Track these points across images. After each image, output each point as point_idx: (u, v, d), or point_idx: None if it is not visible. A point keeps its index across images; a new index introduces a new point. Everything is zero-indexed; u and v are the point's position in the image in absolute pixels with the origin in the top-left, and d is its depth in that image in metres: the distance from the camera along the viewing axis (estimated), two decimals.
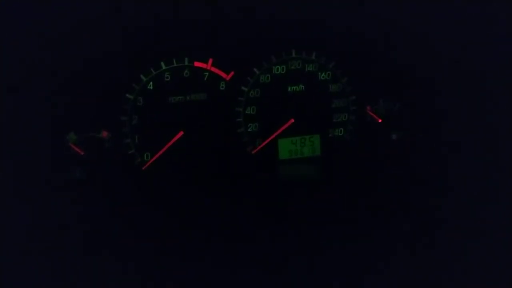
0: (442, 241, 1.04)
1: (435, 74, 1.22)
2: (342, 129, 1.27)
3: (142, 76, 1.14)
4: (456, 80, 1.20)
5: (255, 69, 1.19)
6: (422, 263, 1.00)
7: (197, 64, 1.16)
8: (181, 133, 1.17)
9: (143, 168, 1.18)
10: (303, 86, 1.22)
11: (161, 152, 1.17)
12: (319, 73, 1.22)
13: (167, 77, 1.15)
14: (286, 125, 1.22)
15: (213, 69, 1.17)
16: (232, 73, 1.18)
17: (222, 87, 1.18)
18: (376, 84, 1.25)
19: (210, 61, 1.16)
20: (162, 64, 1.14)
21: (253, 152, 1.23)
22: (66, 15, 1.01)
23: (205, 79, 1.17)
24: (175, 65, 1.14)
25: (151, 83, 1.14)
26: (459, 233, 1.05)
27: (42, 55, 1.05)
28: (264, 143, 1.23)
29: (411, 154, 1.26)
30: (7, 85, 1.03)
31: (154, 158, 1.17)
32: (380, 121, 1.26)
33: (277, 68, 1.20)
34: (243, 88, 1.20)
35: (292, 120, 1.22)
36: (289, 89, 1.21)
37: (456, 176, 1.15)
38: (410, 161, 1.23)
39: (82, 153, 1.13)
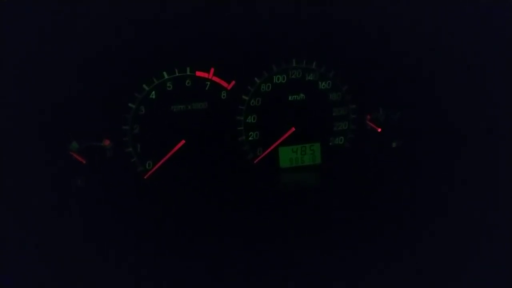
0: (441, 248, 1.04)
1: (435, 83, 1.23)
2: (342, 137, 1.28)
3: (144, 86, 1.15)
4: (456, 88, 1.21)
5: (256, 78, 1.20)
6: (421, 271, 1.00)
7: (198, 73, 1.17)
8: (183, 141, 1.18)
9: (145, 177, 1.18)
10: (304, 95, 1.23)
11: (163, 160, 1.17)
12: (319, 82, 1.23)
13: (169, 86, 1.16)
14: (287, 134, 1.23)
15: (215, 79, 1.18)
16: (233, 82, 1.19)
17: (223, 96, 1.20)
18: (376, 93, 1.26)
19: (212, 70, 1.17)
20: (164, 73, 1.15)
21: (254, 161, 1.24)
22: (69, 24, 1.02)
23: (207, 88, 1.18)
24: (177, 74, 1.16)
25: (153, 92, 1.16)
26: (458, 242, 1.04)
27: (44, 65, 1.06)
28: (265, 153, 1.23)
29: (411, 163, 1.26)
30: (10, 95, 1.04)
31: (156, 167, 1.17)
32: (379, 130, 1.27)
33: (278, 77, 1.21)
34: (244, 97, 1.21)
35: (293, 129, 1.23)
36: (289, 98, 1.23)
37: (456, 184, 1.15)
38: (410, 169, 1.23)
39: (84, 162, 1.14)
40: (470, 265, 1.02)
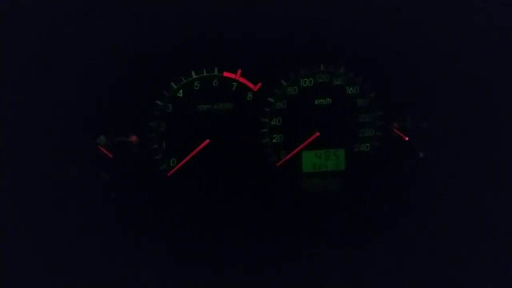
0: (466, 259, 1.00)
1: (466, 94, 1.19)
2: (368, 144, 1.26)
3: (172, 84, 1.17)
4: (487, 100, 1.17)
5: (282, 81, 1.20)
6: (445, 279, 0.97)
7: (226, 74, 1.18)
8: (207, 141, 1.19)
9: (168, 174, 1.20)
10: (330, 100, 1.22)
11: (186, 159, 1.18)
12: (347, 87, 1.22)
13: (197, 86, 1.18)
14: (311, 138, 1.22)
15: (242, 80, 1.19)
16: (259, 84, 1.19)
17: (249, 97, 1.20)
18: (404, 101, 1.23)
19: (239, 71, 1.18)
20: (193, 73, 1.17)
21: (277, 164, 1.24)
22: (103, 21, 1.04)
23: (233, 89, 1.19)
24: (205, 74, 1.17)
25: (181, 91, 1.17)
26: (485, 253, 1.01)
27: (79, 59, 1.09)
28: (288, 156, 1.23)
29: (437, 174, 1.22)
30: (46, 87, 1.07)
31: (179, 165, 1.19)
32: (406, 139, 1.24)
33: (305, 81, 1.21)
34: (269, 99, 1.21)
35: (318, 133, 1.22)
36: (315, 102, 1.22)
37: (483, 198, 1.11)
38: (436, 181, 1.20)
39: (110, 156, 1.16)
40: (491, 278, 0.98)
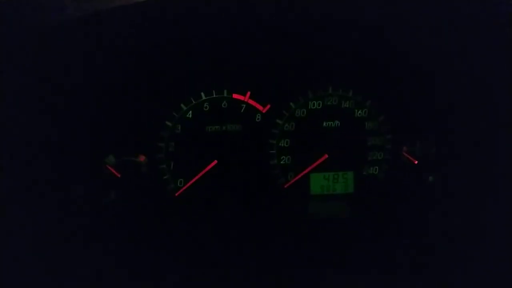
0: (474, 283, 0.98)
1: (476, 120, 1.18)
2: (376, 167, 1.25)
3: (182, 105, 1.18)
4: (499, 124, 1.16)
5: (291, 103, 1.21)
6: None
7: (235, 96, 1.19)
8: (215, 162, 1.19)
9: (176, 195, 1.20)
10: (339, 122, 1.22)
11: (194, 179, 1.18)
12: (355, 110, 1.22)
13: (206, 107, 1.19)
14: (319, 161, 1.21)
15: (250, 102, 1.19)
16: (268, 106, 1.20)
17: (258, 119, 1.21)
18: (414, 125, 1.23)
19: (248, 93, 1.19)
20: (202, 94, 1.18)
21: (284, 185, 1.23)
22: (113, 42, 1.05)
23: (242, 110, 1.20)
24: (214, 96, 1.18)
25: (190, 112, 1.18)
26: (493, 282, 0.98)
27: (88, 80, 1.10)
28: (296, 178, 1.22)
29: (446, 198, 1.21)
30: (57, 107, 1.09)
31: (187, 185, 1.19)
32: (416, 162, 1.23)
33: (313, 103, 1.21)
34: (278, 121, 1.21)
35: (326, 156, 1.21)
36: (324, 124, 1.22)
37: (494, 226, 1.09)
38: (445, 205, 1.18)
39: (118, 176, 1.17)
40: None
